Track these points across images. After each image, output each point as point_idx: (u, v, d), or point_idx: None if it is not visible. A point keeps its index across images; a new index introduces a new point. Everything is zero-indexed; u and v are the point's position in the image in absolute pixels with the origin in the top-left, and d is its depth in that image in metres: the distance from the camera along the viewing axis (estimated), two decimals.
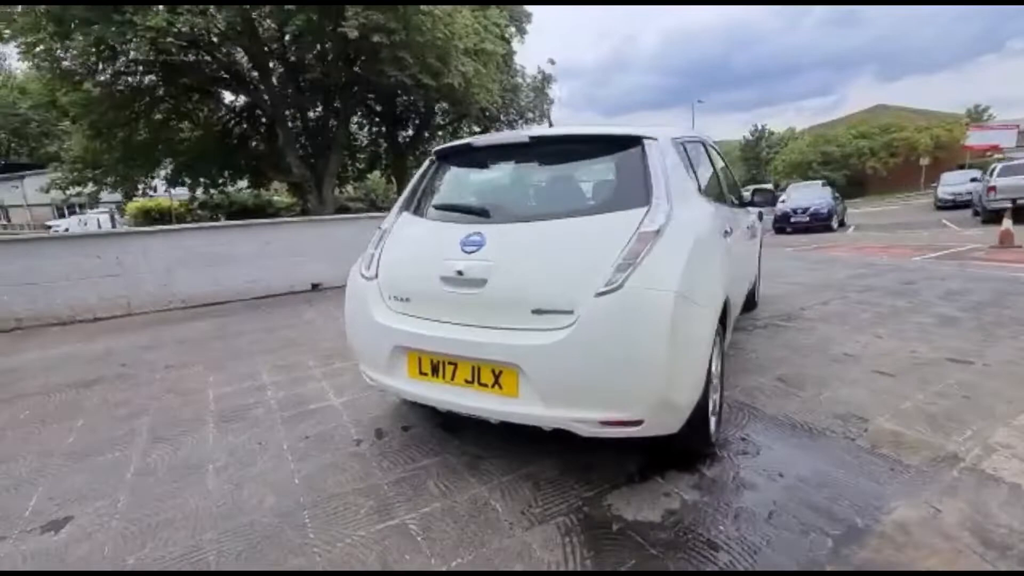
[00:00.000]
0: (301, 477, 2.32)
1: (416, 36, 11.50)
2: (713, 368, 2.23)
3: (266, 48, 14.15)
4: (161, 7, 10.47)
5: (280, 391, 3.38)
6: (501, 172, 2.53)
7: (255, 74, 14.76)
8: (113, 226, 23.01)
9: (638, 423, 1.86)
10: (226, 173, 18.12)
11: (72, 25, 10.89)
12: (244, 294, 6.87)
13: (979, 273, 6.21)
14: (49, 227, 24.08)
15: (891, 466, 2.16)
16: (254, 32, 13.22)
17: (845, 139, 33.28)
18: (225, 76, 14.65)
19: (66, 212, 29.35)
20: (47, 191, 16.95)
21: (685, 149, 2.55)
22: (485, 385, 2.02)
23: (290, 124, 15.98)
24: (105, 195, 17.45)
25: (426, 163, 2.71)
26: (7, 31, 11.28)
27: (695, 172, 2.55)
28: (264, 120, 16.75)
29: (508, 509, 2.00)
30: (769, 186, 29.43)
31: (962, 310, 4.45)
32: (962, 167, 22.72)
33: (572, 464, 2.27)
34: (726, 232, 2.53)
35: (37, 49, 11.56)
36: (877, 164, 31.86)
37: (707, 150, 3.18)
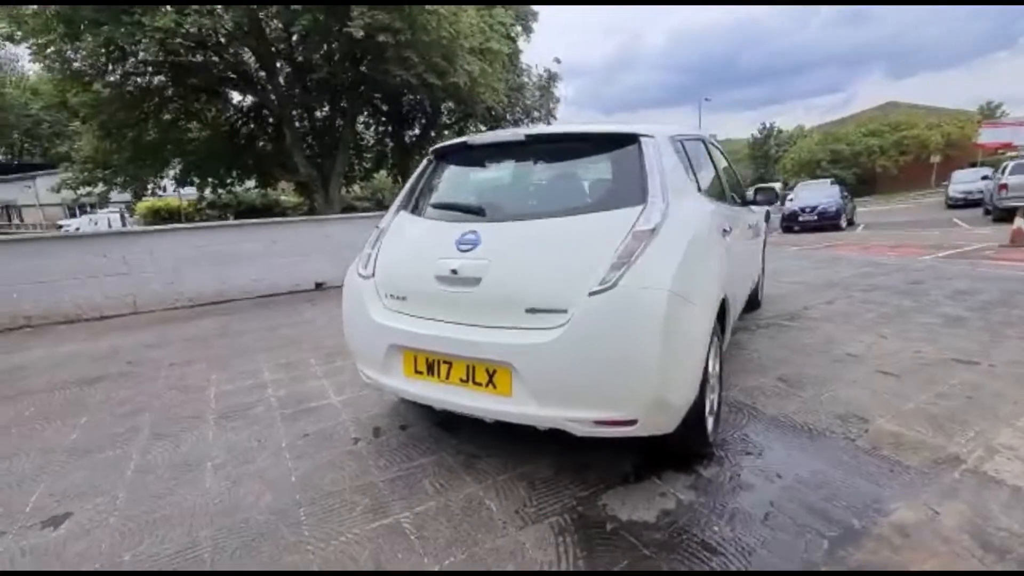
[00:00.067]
0: (298, 475, 2.33)
1: (421, 35, 11.52)
2: (710, 368, 2.21)
3: (273, 48, 14.25)
4: (169, 8, 10.55)
5: (281, 389, 3.40)
6: (497, 171, 2.53)
7: (262, 74, 14.86)
8: (123, 225, 23.26)
9: (632, 423, 1.85)
10: (234, 173, 18.28)
11: (82, 26, 11.02)
12: (249, 292, 6.91)
13: (988, 272, 6.13)
14: (60, 226, 24.41)
15: (891, 467, 2.14)
16: (261, 32, 13.32)
17: (855, 137, 33.00)
18: (233, 76, 14.77)
19: (77, 212, 29.72)
20: (58, 191, 17.19)
21: (684, 147, 2.54)
22: (479, 384, 2.02)
23: (297, 124, 16.07)
24: (115, 195, 17.66)
25: (424, 162, 2.71)
26: (18, 32, 11.42)
27: (694, 170, 2.53)
28: (271, 120, 16.86)
29: (502, 508, 2.00)
30: (777, 185, 29.22)
31: (969, 310, 4.39)
32: (974, 165, 22.46)
33: (568, 463, 2.26)
34: (725, 231, 2.50)
35: (48, 50, 11.70)
36: (887, 162, 31.56)
37: (708, 148, 3.16)
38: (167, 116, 15.23)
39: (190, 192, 21.20)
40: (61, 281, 5.89)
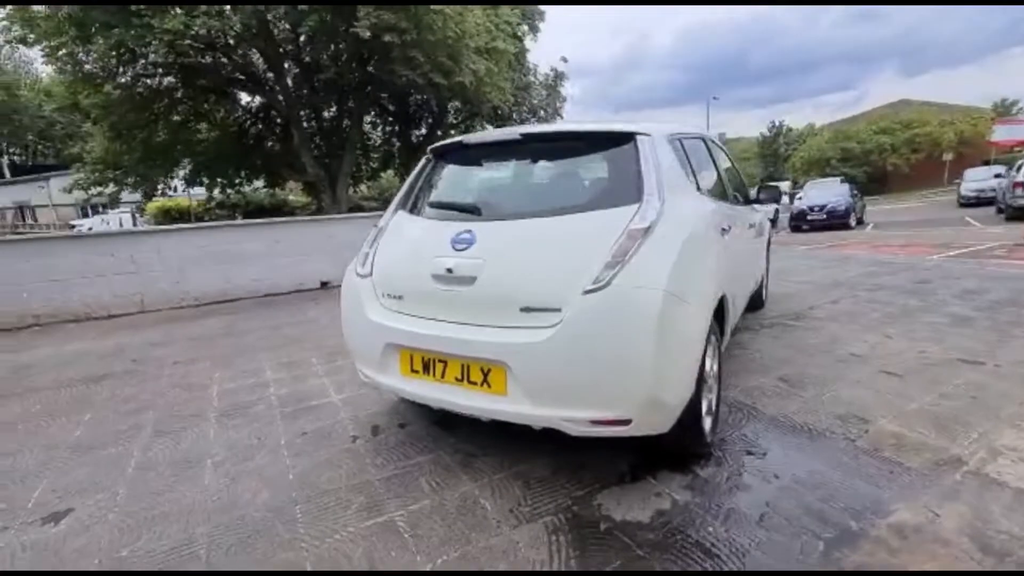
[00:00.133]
0: (296, 473, 2.34)
1: (427, 35, 11.55)
2: (708, 367, 2.20)
3: (281, 49, 14.35)
4: (178, 10, 10.65)
5: (282, 387, 3.42)
6: (494, 170, 2.53)
7: (270, 75, 14.98)
8: (134, 225, 23.52)
9: (626, 422, 1.84)
10: (242, 173, 18.44)
11: (93, 29, 11.16)
12: (254, 292, 6.97)
13: (999, 272, 6.04)
14: (73, 226, 24.70)
15: (891, 469, 2.11)
16: (269, 34, 13.41)
17: (865, 135, 32.65)
18: (241, 77, 14.90)
19: (89, 212, 30.09)
20: (70, 191, 17.42)
21: (682, 146, 2.52)
22: (474, 383, 2.02)
23: (304, 124, 16.18)
24: (126, 195, 17.88)
25: (422, 161, 2.72)
26: (31, 35, 11.59)
27: (692, 169, 2.51)
28: (279, 121, 16.99)
29: (497, 507, 2.00)
30: (787, 184, 29.02)
31: (977, 309, 4.33)
32: (987, 163, 22.13)
33: (565, 463, 2.26)
34: (724, 229, 2.48)
35: (60, 52, 11.87)
36: (898, 160, 31.19)
37: (708, 147, 3.14)
38: (177, 117, 15.40)
39: (200, 192, 21.42)
40: (70, 280, 5.97)
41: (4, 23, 11.60)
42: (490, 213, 2.26)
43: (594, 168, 2.29)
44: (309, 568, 1.73)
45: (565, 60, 20.87)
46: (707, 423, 2.23)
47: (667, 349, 1.79)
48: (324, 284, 7.40)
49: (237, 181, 18.69)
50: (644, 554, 1.70)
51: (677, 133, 2.53)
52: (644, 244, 1.86)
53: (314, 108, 16.58)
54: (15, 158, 40.34)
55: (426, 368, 2.15)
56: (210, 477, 2.35)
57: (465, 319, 2.05)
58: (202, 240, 6.73)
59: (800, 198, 15.81)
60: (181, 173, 17.85)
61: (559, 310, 1.85)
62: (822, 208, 14.46)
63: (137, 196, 20.64)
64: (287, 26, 13.80)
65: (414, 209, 2.57)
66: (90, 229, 20.98)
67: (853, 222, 14.48)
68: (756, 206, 3.97)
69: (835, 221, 14.22)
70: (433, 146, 2.66)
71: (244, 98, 16.85)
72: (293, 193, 24.66)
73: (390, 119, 19.84)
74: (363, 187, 23.48)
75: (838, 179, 18.18)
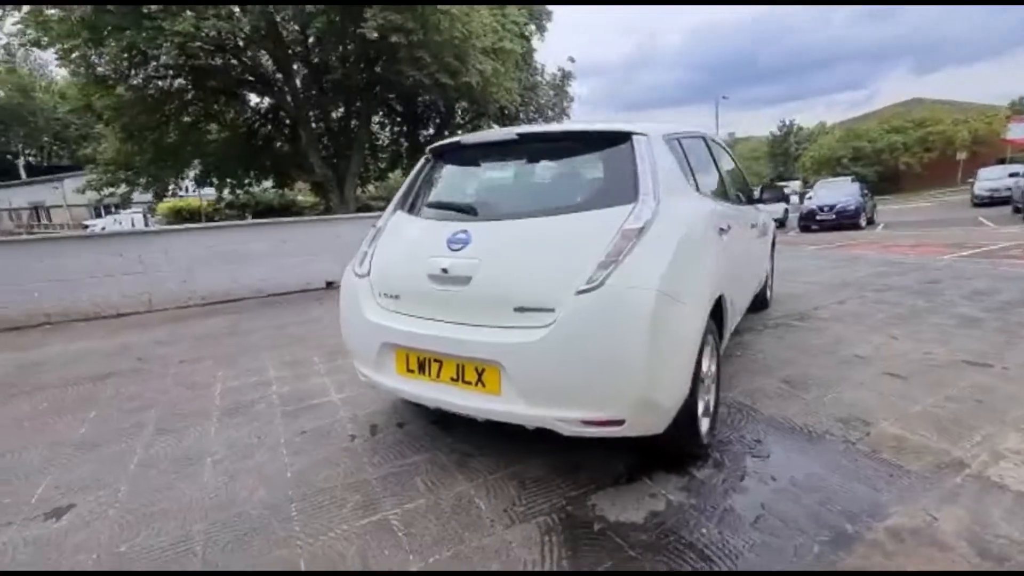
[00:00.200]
0: (293, 471, 2.36)
1: (434, 35, 11.59)
2: (705, 368, 2.19)
3: (290, 51, 14.47)
4: (188, 12, 10.76)
5: (284, 386, 3.45)
6: (490, 170, 2.53)
7: (279, 76, 15.09)
8: (146, 225, 23.79)
9: (619, 423, 1.84)
10: (252, 173, 18.60)
11: (105, 31, 11.30)
12: (260, 291, 7.02)
13: (1010, 272, 5.94)
14: (87, 226, 25.04)
15: (890, 471, 2.09)
16: (278, 35, 13.53)
17: (877, 134, 32.24)
18: (251, 79, 15.03)
19: (102, 212, 30.50)
20: (83, 192, 17.66)
21: (681, 145, 2.51)
22: (469, 383, 2.02)
23: (313, 125, 16.28)
24: (137, 195, 18.11)
25: (421, 161, 2.73)
26: (45, 38, 11.77)
27: (691, 168, 2.49)
28: (288, 121, 17.12)
29: (491, 507, 2.00)
30: (797, 183, 28.75)
31: (986, 311, 4.27)
32: (1003, 161, 21.79)
33: (561, 463, 2.26)
34: (722, 230, 2.46)
35: (73, 55, 12.03)
36: (911, 159, 30.78)
37: (709, 147, 3.12)
38: (187, 118, 15.57)
39: (210, 192, 21.63)
40: (80, 280, 6.05)
41: (19, 26, 11.78)
42: (486, 213, 2.27)
43: (590, 168, 2.28)
44: (303, 565, 1.74)
45: (572, 60, 20.93)
46: (704, 424, 2.22)
47: (660, 349, 1.79)
48: (330, 284, 7.44)
49: (246, 181, 18.88)
50: (636, 555, 1.70)
51: (675, 133, 2.51)
52: (638, 244, 1.85)
53: (322, 109, 16.69)
54: (30, 159, 41.03)
55: (422, 368, 2.16)
56: (209, 475, 2.37)
57: (460, 319, 2.06)
58: (209, 240, 6.80)
59: (810, 198, 15.66)
60: (191, 174, 18.06)
61: (553, 310, 1.85)
62: (832, 208, 14.31)
63: (148, 197, 20.89)
64: (296, 27, 13.92)
65: (412, 209, 2.58)
66: (103, 229, 21.25)
67: (863, 222, 14.32)
68: (760, 206, 3.94)
69: (845, 221, 14.07)
70: (432, 146, 2.67)
71: (253, 99, 17.01)
72: (302, 193, 24.84)
73: (398, 119, 19.92)
74: (371, 187, 23.61)
75: (848, 178, 17.99)
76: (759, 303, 4.48)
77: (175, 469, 2.44)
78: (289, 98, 15.10)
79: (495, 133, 2.38)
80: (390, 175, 22.74)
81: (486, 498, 2.06)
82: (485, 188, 2.56)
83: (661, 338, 1.78)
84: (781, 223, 17.41)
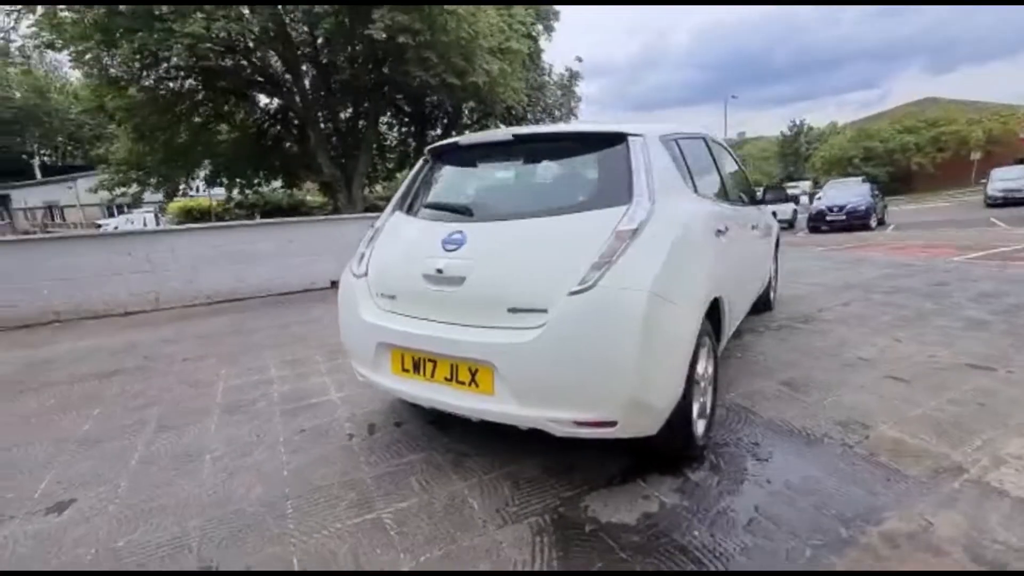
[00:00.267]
0: (290, 469, 2.38)
1: (440, 36, 11.61)
2: (701, 370, 2.18)
3: (299, 51, 14.56)
4: (198, 14, 10.87)
5: (285, 385, 3.48)
6: (486, 171, 2.53)
7: (288, 77, 15.19)
8: (157, 224, 24.06)
9: (612, 424, 1.84)
10: (261, 173, 18.75)
11: (118, 33, 11.45)
12: (265, 291, 7.08)
13: (1020, 274, 5.85)
14: (100, 225, 25.36)
15: (887, 475, 2.07)
16: (287, 36, 13.62)
17: (888, 134, 31.85)
18: (260, 79, 15.15)
19: (115, 211, 30.90)
20: (95, 191, 17.91)
21: (679, 146, 2.50)
22: (463, 383, 2.03)
23: (321, 125, 16.38)
24: (148, 195, 18.32)
25: (420, 162, 2.74)
26: (59, 40, 11.95)
27: (689, 169, 2.48)
28: (296, 122, 17.23)
29: (484, 507, 2.00)
30: (806, 184, 28.48)
31: (994, 313, 4.21)
32: (1021, 161, 21.41)
33: (555, 464, 2.26)
34: (719, 231, 2.45)
35: (86, 57, 12.18)
36: (923, 160, 30.37)
37: (709, 147, 3.10)
38: (197, 119, 15.73)
39: (220, 193, 21.83)
40: (89, 278, 6.14)
41: (34, 28, 11.97)
42: (482, 214, 2.28)
43: (585, 169, 2.28)
44: (295, 563, 1.76)
45: (580, 60, 20.85)
46: (699, 426, 2.21)
47: (652, 351, 1.78)
48: (334, 283, 7.48)
49: (255, 181, 19.04)
50: (627, 556, 1.69)
51: (673, 134, 2.51)
52: (631, 245, 1.85)
53: (331, 109, 16.78)
54: (45, 159, 41.64)
55: (416, 367, 2.17)
56: (208, 472, 2.39)
57: (454, 319, 2.07)
58: (216, 240, 6.87)
59: (819, 198, 15.51)
60: (202, 174, 18.24)
61: (546, 311, 1.85)
62: (841, 208, 14.16)
63: (159, 197, 21.13)
64: (305, 28, 14.00)
65: (410, 210, 2.59)
66: (115, 228, 21.52)
67: (874, 223, 14.16)
68: (763, 207, 3.91)
69: (855, 222, 13.91)
70: (430, 146, 2.68)
71: (263, 100, 17.15)
72: (310, 193, 25.00)
73: (406, 120, 19.99)
74: (379, 187, 23.70)
75: (859, 179, 17.79)
76: (762, 305, 4.45)
77: (175, 466, 2.47)
78: (298, 99, 15.20)
79: (492, 134, 2.39)
80: (397, 175, 22.83)
81: (479, 498, 2.07)
82: (481, 189, 2.56)
83: (653, 340, 1.78)
84: (790, 224, 17.28)
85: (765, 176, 42.27)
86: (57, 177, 34.61)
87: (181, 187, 18.38)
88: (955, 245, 9.05)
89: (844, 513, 1.85)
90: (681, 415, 2.00)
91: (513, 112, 17.03)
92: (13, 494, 2.30)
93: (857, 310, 4.61)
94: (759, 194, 3.82)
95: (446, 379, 2.08)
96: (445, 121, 19.56)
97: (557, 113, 19.67)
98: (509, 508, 1.99)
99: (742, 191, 3.63)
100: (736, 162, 3.86)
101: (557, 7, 18.54)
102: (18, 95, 36.25)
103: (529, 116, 18.57)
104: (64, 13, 11.62)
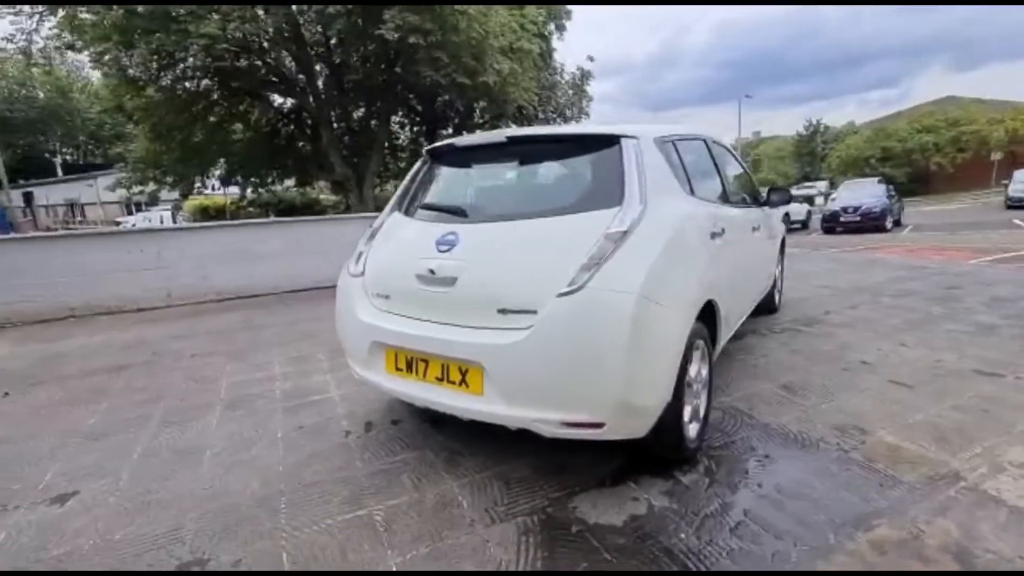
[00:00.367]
0: (286, 465, 2.41)
1: (451, 36, 11.65)
2: (693, 372, 2.17)
3: (312, 52, 14.72)
4: (214, 15, 11.04)
5: (288, 382, 3.53)
6: (481, 172, 2.55)
7: (302, 77, 15.36)
8: (174, 222, 24.46)
9: (599, 425, 1.84)
10: (274, 172, 18.98)
11: (135, 35, 11.67)
12: (274, 288, 7.17)
13: None
14: (119, 223, 25.85)
15: (881, 481, 2.04)
16: (300, 37, 13.77)
17: (906, 133, 31.27)
18: (274, 80, 15.34)
19: (133, 209, 31.48)
20: (114, 190, 18.29)
21: (676, 148, 2.49)
22: (453, 383, 2.05)
23: (334, 125, 16.53)
24: (165, 193, 18.67)
25: (418, 162, 2.76)
26: (79, 41, 12.22)
27: (685, 171, 2.47)
28: (309, 121, 17.40)
29: (473, 506, 2.02)
30: (822, 184, 28.04)
31: (1005, 318, 4.12)
32: None
33: (547, 464, 2.27)
34: (715, 233, 2.44)
35: (105, 57, 12.44)
36: (942, 160, 29.79)
37: (709, 148, 3.08)
38: (213, 118, 15.96)
39: (235, 191, 22.16)
40: (103, 275, 6.27)
41: (55, 30, 12.26)
42: (475, 215, 2.29)
43: (578, 171, 2.28)
44: (284, 557, 1.78)
45: (591, 59, 20.74)
46: (692, 429, 2.20)
47: (640, 353, 1.78)
48: None
49: (269, 180, 19.28)
50: (611, 558, 1.70)
51: (670, 135, 2.49)
52: (621, 247, 1.85)
53: (343, 109, 16.93)
54: (67, 157, 42.57)
55: (409, 367, 2.19)
56: (207, 466, 2.44)
57: (446, 319, 2.08)
58: (227, 238, 6.97)
59: (834, 199, 15.29)
60: (217, 172, 18.53)
61: (535, 312, 1.86)
62: (856, 209, 13.93)
63: (176, 195, 21.51)
64: (318, 29, 14.14)
65: (408, 210, 2.61)
66: (134, 225, 21.91)
67: (889, 224, 13.91)
68: (767, 208, 3.87)
69: (869, 223, 13.68)
70: (429, 147, 2.71)
71: (276, 100, 17.34)
72: (323, 192, 25.24)
73: (417, 119, 20.07)
74: (390, 186, 23.86)
75: (874, 179, 17.47)
76: (767, 307, 4.41)
77: (175, 460, 2.52)
78: (311, 98, 15.36)
79: (486, 136, 2.40)
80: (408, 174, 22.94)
81: (469, 497, 2.08)
82: (476, 190, 2.58)
83: (641, 342, 1.78)
84: (804, 224, 17.06)
85: (780, 176, 41.79)
86: (78, 175, 35.36)
87: (196, 185, 18.70)
88: (973, 247, 8.88)
89: (834, 518, 1.83)
90: (672, 417, 2.00)
91: (524, 112, 17.02)
92: (19, 485, 2.37)
93: (864, 313, 4.55)
94: (764, 195, 3.78)
95: (437, 379, 2.10)
96: (456, 121, 19.60)
97: (569, 113, 19.63)
98: (498, 507, 2.00)
99: (745, 193, 3.60)
100: (740, 164, 3.83)
101: (569, 7, 18.51)
102: (41, 95, 37.10)
103: (541, 116, 18.55)
104: (84, 15, 11.86)
